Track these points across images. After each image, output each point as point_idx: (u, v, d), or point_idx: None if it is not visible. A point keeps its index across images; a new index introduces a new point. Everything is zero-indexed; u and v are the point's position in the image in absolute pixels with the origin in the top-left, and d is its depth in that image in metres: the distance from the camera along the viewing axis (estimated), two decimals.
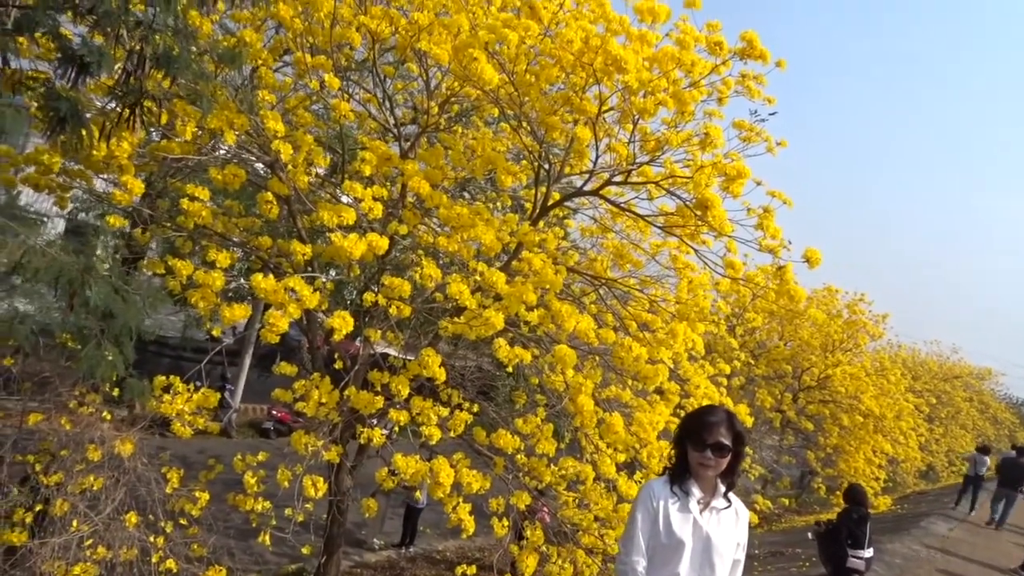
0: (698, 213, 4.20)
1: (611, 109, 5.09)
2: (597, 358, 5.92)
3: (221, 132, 4.33)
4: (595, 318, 6.23)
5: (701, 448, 2.21)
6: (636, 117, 4.74)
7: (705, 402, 5.15)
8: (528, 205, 7.02)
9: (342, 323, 3.89)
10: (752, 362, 12.95)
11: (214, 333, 5.03)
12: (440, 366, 4.44)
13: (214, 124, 4.29)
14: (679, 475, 2.27)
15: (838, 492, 12.52)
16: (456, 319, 4.31)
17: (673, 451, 2.37)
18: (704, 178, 4.12)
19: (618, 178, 5.17)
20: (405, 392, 4.45)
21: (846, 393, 13.29)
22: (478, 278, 4.28)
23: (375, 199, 4.48)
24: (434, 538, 9.87)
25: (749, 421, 5.88)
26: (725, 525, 2.24)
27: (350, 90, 6.70)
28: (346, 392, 4.26)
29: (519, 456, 4.73)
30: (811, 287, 14.77)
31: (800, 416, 13.51)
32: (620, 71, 4.35)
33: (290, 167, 4.39)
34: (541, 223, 6.87)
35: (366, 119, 6.77)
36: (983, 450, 15.45)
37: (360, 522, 9.06)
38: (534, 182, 5.89)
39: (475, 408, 5.08)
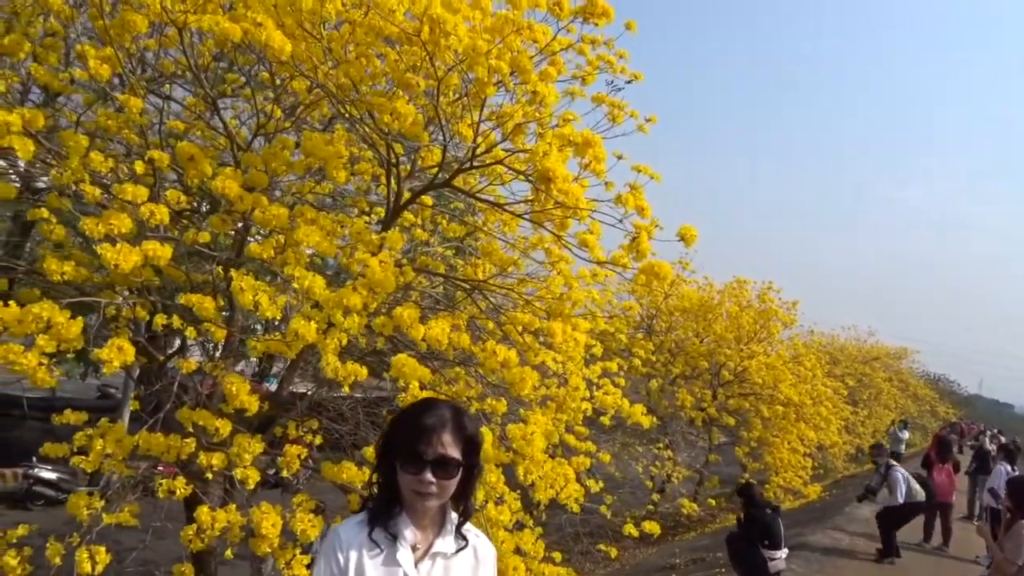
0: (541, 188, 3.64)
1: (462, 97, 4.57)
2: (472, 369, 5.34)
3: None
4: (475, 325, 5.67)
5: (416, 467, 1.54)
6: (483, 97, 4.22)
7: (584, 407, 4.59)
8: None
9: (116, 355, 3.15)
10: (655, 358, 12.60)
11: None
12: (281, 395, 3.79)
13: None
14: (383, 511, 1.59)
15: (766, 485, 12.29)
16: (268, 335, 3.64)
17: (374, 474, 1.68)
18: (543, 146, 3.57)
19: (469, 164, 4.61)
20: (225, 430, 3.74)
21: (764, 384, 13.11)
22: (296, 285, 3.63)
23: (169, 205, 3.79)
24: None
25: (646, 422, 5.36)
26: None
27: (173, 94, 5.98)
28: (137, 438, 3.50)
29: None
30: (722, 281, 14.66)
31: (721, 412, 13.25)
32: (444, 35, 3.80)
33: (54, 173, 3.63)
34: (417, 219, 6.27)
35: (203, 128, 6.04)
36: (901, 425, 15.61)
37: None
38: (386, 181, 5.28)
39: (316, 440, 4.36)
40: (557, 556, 5.79)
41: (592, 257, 4.03)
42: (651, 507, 12.55)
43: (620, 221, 4.05)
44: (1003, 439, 15.00)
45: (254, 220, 4.00)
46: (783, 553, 5.66)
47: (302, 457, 3.81)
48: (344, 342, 3.79)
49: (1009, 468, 9.18)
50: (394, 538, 1.56)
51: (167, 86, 6.46)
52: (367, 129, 4.96)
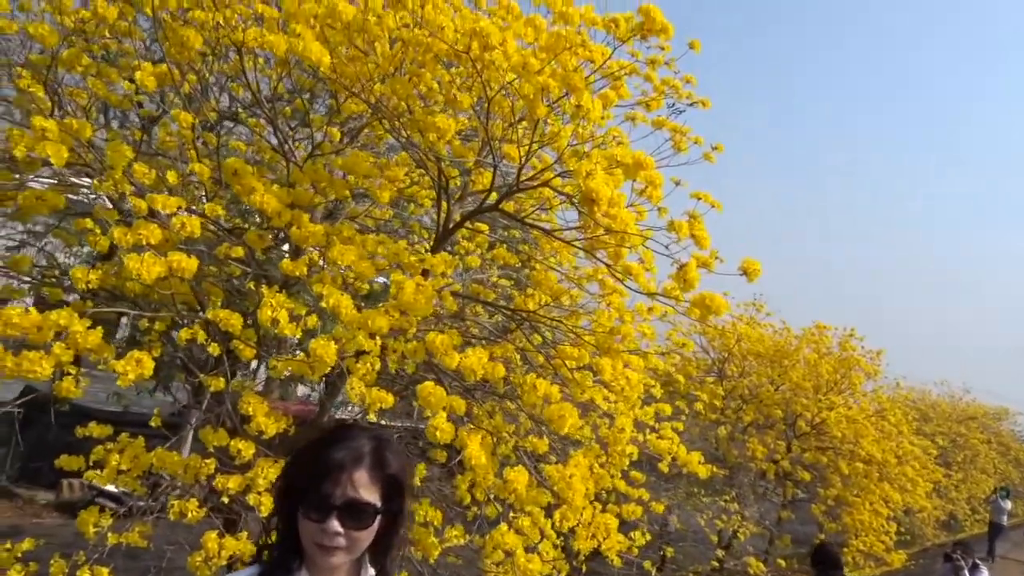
0: (584, 210, 3.39)
1: (515, 122, 4.40)
2: (517, 404, 5.06)
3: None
4: (525, 358, 5.40)
5: (320, 512, 1.26)
6: (535, 119, 4.02)
7: (629, 450, 4.23)
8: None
9: (132, 367, 3.05)
10: (724, 404, 11.94)
11: None
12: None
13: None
14: (278, 566, 1.31)
15: (844, 548, 11.37)
16: (293, 356, 3.49)
17: (275, 518, 1.39)
18: (588, 165, 3.33)
19: (516, 187, 4.41)
20: (248, 453, 3.59)
21: (844, 438, 12.21)
22: (323, 304, 3.48)
23: (203, 216, 3.74)
24: None
25: (703, 471, 4.93)
26: None
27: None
28: (152, 456, 3.39)
29: None
30: (799, 326, 13.89)
31: (795, 466, 12.40)
32: (489, 49, 3.64)
33: (95, 182, 3.63)
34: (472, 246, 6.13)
35: (266, 149, 6.08)
36: (1003, 493, 14.27)
37: None
38: (437, 204, 5.14)
39: None
40: None
41: (640, 287, 3.73)
42: (715, 563, 11.80)
43: (676, 252, 3.76)
44: None
45: (291, 237, 3.91)
46: None
47: None
48: (377, 367, 3.62)
49: None
50: None
51: (241, 111, 6.58)
52: (420, 153, 4.85)
